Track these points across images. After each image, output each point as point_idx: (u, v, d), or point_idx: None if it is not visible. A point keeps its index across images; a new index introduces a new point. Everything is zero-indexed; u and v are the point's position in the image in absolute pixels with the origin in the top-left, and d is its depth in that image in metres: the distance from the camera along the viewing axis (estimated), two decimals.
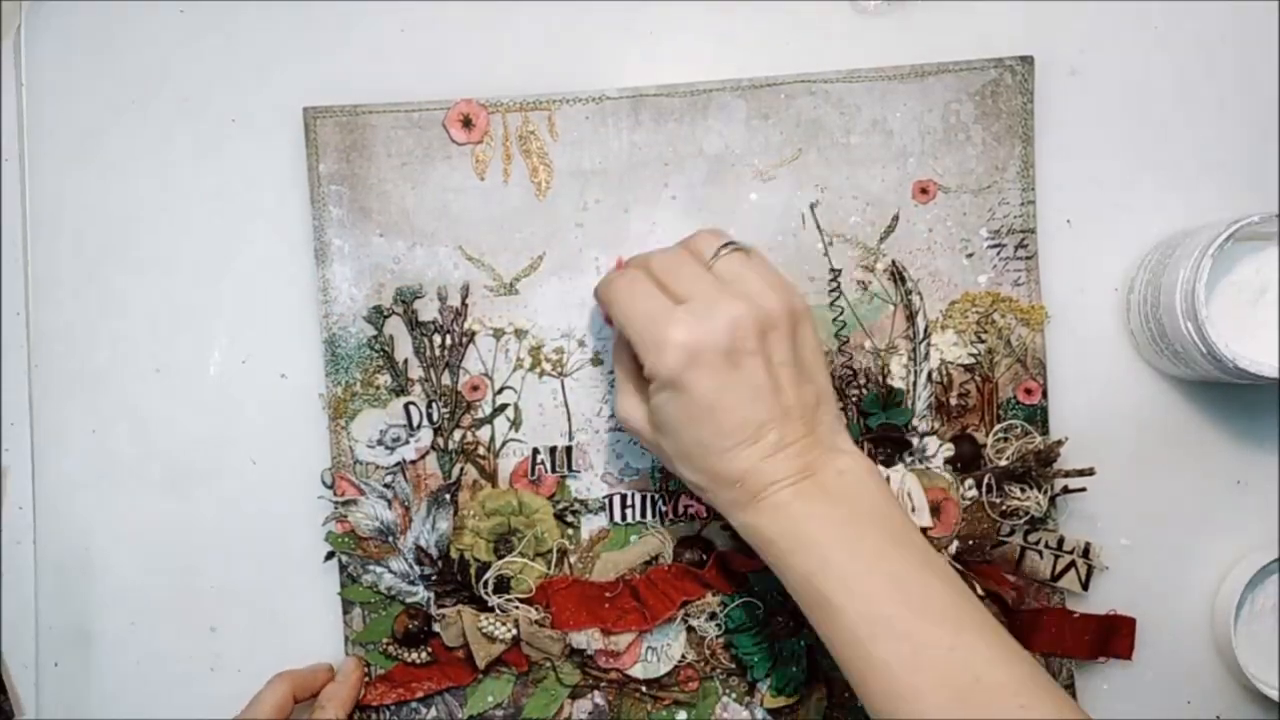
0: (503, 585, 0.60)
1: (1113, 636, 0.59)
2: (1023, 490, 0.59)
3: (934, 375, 0.60)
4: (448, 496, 0.60)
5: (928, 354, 0.60)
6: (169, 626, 0.62)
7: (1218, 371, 0.56)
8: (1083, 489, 0.60)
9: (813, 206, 0.61)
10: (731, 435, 0.49)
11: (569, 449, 0.61)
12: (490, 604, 0.60)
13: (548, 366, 0.61)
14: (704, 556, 0.60)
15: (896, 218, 0.60)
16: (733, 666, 0.60)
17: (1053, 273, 0.61)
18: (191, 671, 0.62)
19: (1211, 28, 0.61)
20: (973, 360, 0.60)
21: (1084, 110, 0.61)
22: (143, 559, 0.62)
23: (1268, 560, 0.59)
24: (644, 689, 0.60)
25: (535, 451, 0.61)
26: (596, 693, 0.60)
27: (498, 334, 0.61)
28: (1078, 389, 0.61)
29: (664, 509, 0.60)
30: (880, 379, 0.60)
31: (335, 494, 0.60)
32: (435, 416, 0.60)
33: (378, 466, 0.60)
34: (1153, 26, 0.61)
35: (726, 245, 0.52)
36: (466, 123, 0.60)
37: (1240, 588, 0.59)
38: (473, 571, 0.60)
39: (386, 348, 0.61)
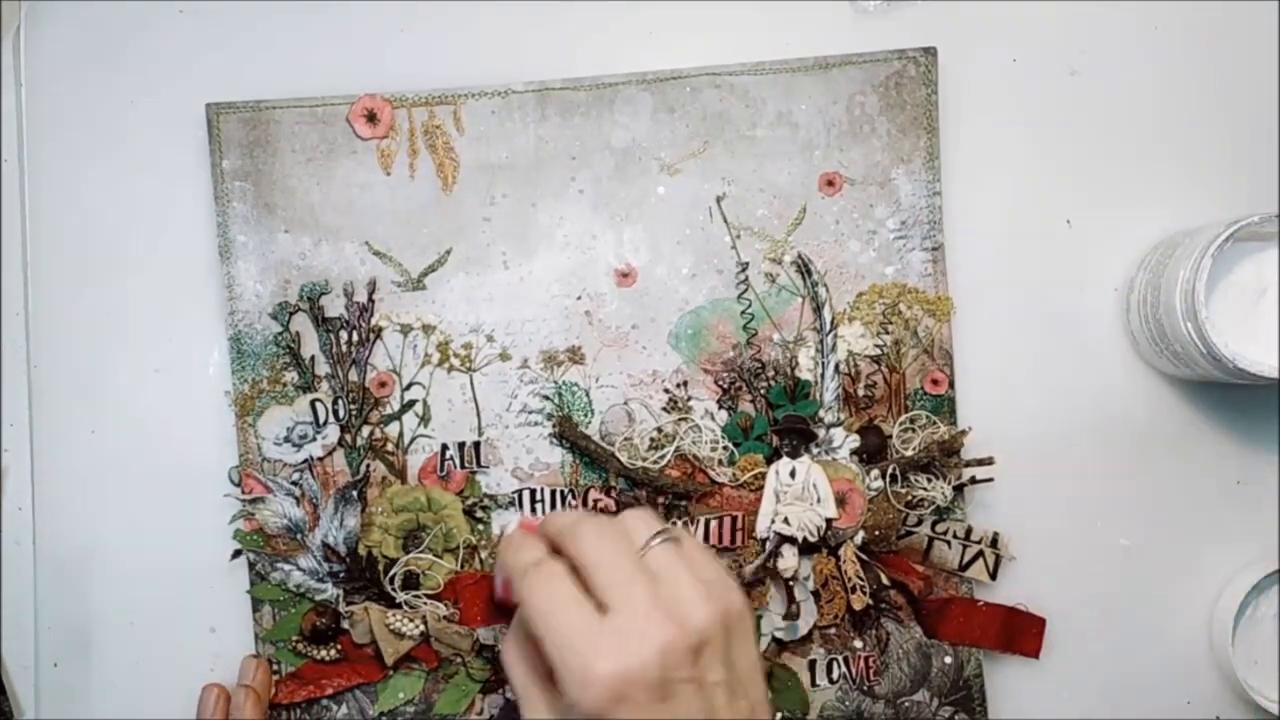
0: (412, 582, 0.60)
1: (1022, 635, 0.59)
2: (928, 481, 0.59)
3: (841, 367, 0.60)
4: (355, 493, 0.60)
5: (834, 346, 0.60)
6: (169, 626, 0.61)
7: (1218, 371, 0.55)
8: (990, 479, 0.60)
9: (719, 199, 0.61)
10: None
11: (478, 444, 0.60)
12: (398, 600, 0.59)
13: (456, 362, 0.61)
14: None
15: (804, 210, 0.60)
16: None
17: (1051, 273, 0.61)
18: (191, 671, 0.61)
19: (1211, 28, 0.61)
20: (879, 351, 0.60)
21: (1084, 110, 0.61)
22: (143, 559, 0.61)
23: (1268, 571, 0.59)
24: None
25: (444, 447, 0.60)
26: (508, 688, 0.60)
27: (405, 330, 0.61)
28: (1077, 389, 0.61)
29: (574, 504, 0.60)
30: (789, 371, 0.60)
31: (243, 491, 0.60)
32: (342, 413, 0.60)
33: (285, 464, 0.60)
34: (1153, 27, 0.61)
35: (658, 535, 0.47)
36: (371, 118, 0.60)
37: (1241, 596, 0.58)
38: (381, 568, 0.60)
39: (293, 344, 0.60)
